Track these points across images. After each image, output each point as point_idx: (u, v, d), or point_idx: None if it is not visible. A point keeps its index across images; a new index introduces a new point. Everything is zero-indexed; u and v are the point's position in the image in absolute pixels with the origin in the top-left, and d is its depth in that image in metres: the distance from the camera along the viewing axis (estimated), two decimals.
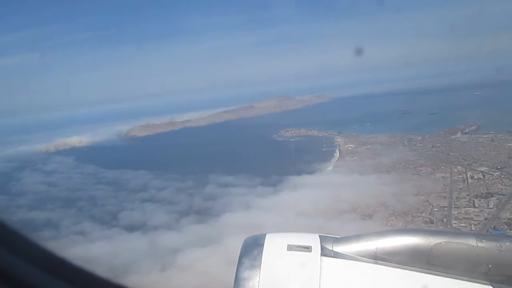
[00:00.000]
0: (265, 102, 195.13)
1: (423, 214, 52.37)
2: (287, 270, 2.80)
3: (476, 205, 52.78)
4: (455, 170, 67.00)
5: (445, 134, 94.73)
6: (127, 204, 64.99)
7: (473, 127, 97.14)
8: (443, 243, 2.88)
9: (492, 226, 46.62)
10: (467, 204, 53.50)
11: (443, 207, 53.89)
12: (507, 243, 2.85)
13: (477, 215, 50.02)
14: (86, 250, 46.98)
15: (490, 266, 2.80)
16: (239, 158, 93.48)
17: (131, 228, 53.82)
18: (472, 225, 47.65)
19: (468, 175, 63.54)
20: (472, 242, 2.87)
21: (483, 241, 2.88)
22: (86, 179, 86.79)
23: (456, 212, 51.61)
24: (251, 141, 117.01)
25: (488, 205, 51.86)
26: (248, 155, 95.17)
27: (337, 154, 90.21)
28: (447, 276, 2.82)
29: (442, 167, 69.73)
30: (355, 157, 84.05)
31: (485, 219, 48.79)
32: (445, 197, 56.92)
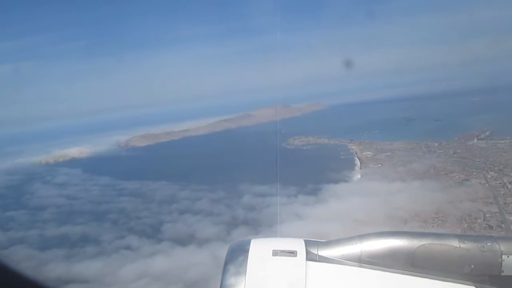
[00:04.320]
0: (262, 110, 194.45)
1: (478, 221, 52.38)
2: (272, 276, 2.82)
3: None
4: (489, 176, 67.50)
5: (460, 140, 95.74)
6: (165, 216, 62.96)
7: (487, 133, 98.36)
8: (426, 245, 2.94)
9: None
10: None
11: (495, 213, 53.96)
12: (488, 244, 2.92)
13: None
14: (146, 266, 45.13)
15: (472, 266, 2.88)
16: (259, 167, 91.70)
17: (182, 242, 51.96)
18: None
19: (505, 181, 64.15)
20: (454, 243, 2.94)
21: (465, 242, 2.94)
22: (105, 191, 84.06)
23: (511, 218, 51.84)
24: (262, 150, 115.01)
25: None
26: (267, 164, 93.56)
27: (358, 162, 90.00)
28: (431, 278, 2.89)
29: (474, 173, 70.13)
30: (379, 165, 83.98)
31: None
32: (491, 203, 57.07)
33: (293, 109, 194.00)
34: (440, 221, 52.85)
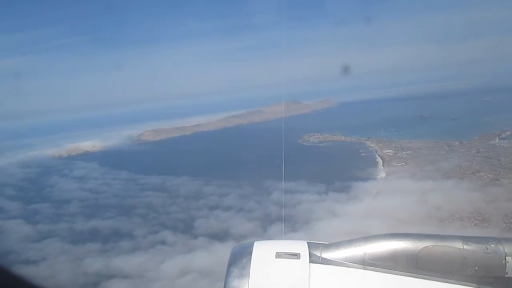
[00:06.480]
0: (273, 106, 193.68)
1: None
2: (276, 278, 2.82)
3: None
4: None
5: (481, 140, 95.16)
6: (195, 212, 62.56)
7: (508, 132, 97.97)
8: (430, 246, 2.93)
9: None
10: None
11: None
12: (492, 245, 2.90)
13: None
14: (188, 261, 44.77)
15: (476, 268, 2.86)
16: (281, 163, 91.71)
17: (219, 238, 51.59)
18: None
19: None
20: (458, 245, 2.92)
21: (469, 243, 2.92)
22: (127, 185, 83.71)
23: None
24: (279, 146, 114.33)
25: None
26: (288, 161, 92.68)
27: (380, 160, 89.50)
28: (435, 280, 2.88)
29: (502, 173, 69.81)
30: (403, 163, 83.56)
31: None
32: None
33: (303, 106, 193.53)
34: (477, 221, 52.52)
